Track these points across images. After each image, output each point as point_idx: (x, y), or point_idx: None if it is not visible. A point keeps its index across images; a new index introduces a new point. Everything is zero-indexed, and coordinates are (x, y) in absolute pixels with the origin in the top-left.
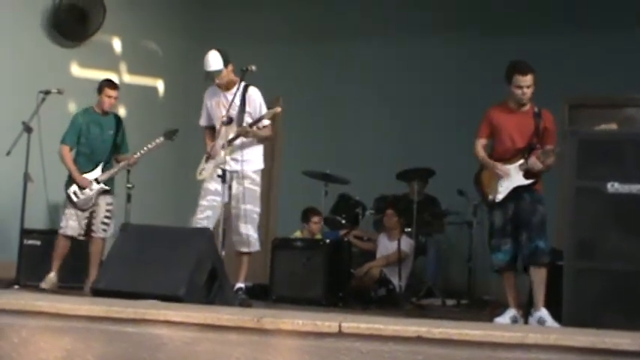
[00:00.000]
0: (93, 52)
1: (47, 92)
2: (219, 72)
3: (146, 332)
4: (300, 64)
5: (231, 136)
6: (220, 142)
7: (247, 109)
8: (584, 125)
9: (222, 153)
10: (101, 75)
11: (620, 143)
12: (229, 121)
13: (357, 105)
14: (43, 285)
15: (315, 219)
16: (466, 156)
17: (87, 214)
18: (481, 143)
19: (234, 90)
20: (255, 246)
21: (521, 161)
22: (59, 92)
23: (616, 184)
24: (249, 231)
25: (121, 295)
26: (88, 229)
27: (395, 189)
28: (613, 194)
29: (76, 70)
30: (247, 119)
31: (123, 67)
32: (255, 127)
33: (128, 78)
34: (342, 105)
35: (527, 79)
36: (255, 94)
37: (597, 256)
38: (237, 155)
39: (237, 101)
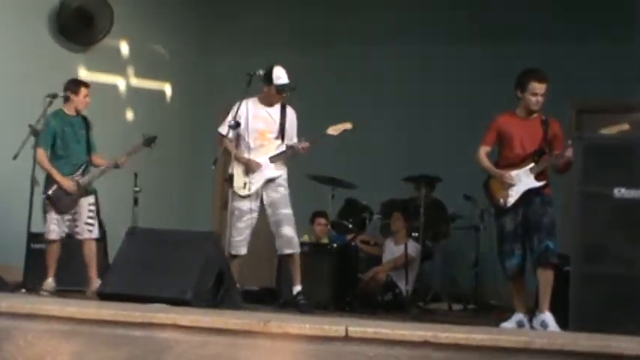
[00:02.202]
0: (100, 56)
1: (54, 96)
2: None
3: (153, 336)
4: (306, 68)
5: (280, 150)
6: (262, 155)
7: (286, 126)
8: (591, 130)
9: (272, 165)
10: (109, 79)
11: (627, 148)
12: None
13: (364, 109)
14: (43, 290)
15: (320, 220)
16: (473, 161)
17: (69, 216)
18: (485, 150)
19: (276, 107)
20: (298, 248)
21: (532, 164)
22: (66, 96)
23: (622, 190)
24: (292, 233)
25: (128, 298)
26: (73, 232)
27: (402, 194)
28: (619, 199)
29: (84, 74)
30: (287, 137)
31: (130, 70)
32: (288, 140)
33: (136, 82)
34: (349, 109)
35: (544, 87)
36: (292, 114)
37: (604, 261)
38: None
39: (277, 117)
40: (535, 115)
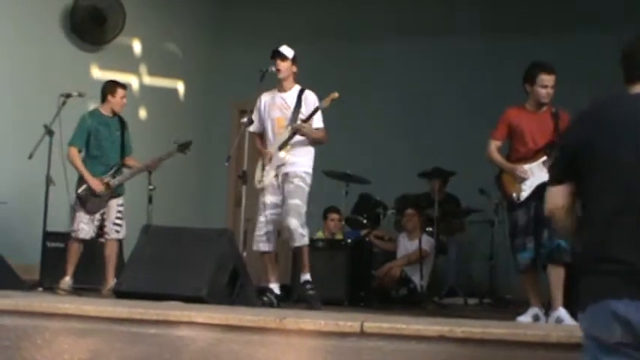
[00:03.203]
0: (113, 55)
1: (68, 95)
2: (284, 55)
3: (169, 333)
4: (319, 65)
5: (286, 135)
6: (275, 145)
7: (302, 109)
8: None
9: (281, 154)
10: (122, 77)
11: None
12: (250, 122)
13: (378, 104)
14: (59, 289)
15: (333, 216)
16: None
17: (98, 216)
18: (495, 145)
19: (290, 92)
20: (303, 240)
21: (544, 158)
22: (80, 95)
23: None
24: (295, 225)
25: (143, 296)
26: (101, 232)
27: (416, 189)
28: None
29: (97, 73)
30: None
31: (143, 69)
32: (309, 126)
33: (148, 80)
34: (363, 105)
35: (552, 79)
36: (311, 96)
37: None
38: (290, 157)
39: (293, 103)
40: (545, 108)
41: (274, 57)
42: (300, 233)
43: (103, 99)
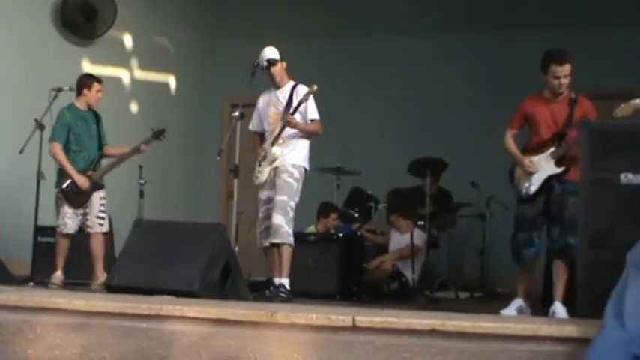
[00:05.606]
0: (104, 49)
1: (59, 89)
2: (274, 60)
3: (161, 328)
4: (313, 59)
5: (277, 130)
6: (269, 141)
7: (294, 104)
8: (605, 116)
9: (273, 149)
10: (113, 71)
11: (633, 134)
12: (242, 116)
13: (371, 99)
14: (51, 284)
15: (334, 216)
16: (479, 148)
17: (81, 210)
18: (511, 134)
19: (283, 88)
20: (285, 238)
21: (552, 149)
22: (71, 89)
23: (629, 175)
24: (279, 221)
25: (135, 290)
26: (84, 226)
27: (408, 183)
28: (626, 185)
29: (88, 67)
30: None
31: (134, 63)
32: (300, 119)
33: (140, 74)
34: (356, 99)
35: (565, 69)
36: (302, 90)
37: (611, 247)
38: (282, 151)
39: (286, 99)
40: (562, 95)
41: (266, 67)
42: (286, 231)
43: (79, 93)
